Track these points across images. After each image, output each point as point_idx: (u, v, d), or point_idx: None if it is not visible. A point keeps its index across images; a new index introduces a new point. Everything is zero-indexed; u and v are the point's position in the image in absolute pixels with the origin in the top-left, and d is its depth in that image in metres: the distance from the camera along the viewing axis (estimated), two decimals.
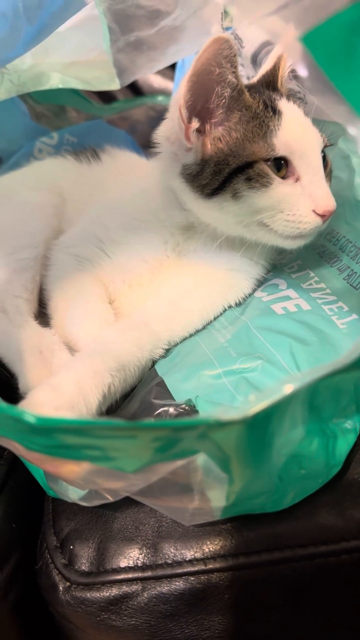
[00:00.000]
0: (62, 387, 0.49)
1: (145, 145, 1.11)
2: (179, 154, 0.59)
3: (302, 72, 0.29)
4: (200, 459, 0.37)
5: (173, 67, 1.09)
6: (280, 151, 0.56)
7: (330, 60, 0.29)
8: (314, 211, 0.56)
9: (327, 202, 0.56)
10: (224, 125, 0.57)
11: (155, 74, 1.23)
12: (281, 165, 0.56)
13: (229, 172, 0.56)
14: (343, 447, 0.47)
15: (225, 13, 0.68)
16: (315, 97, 0.56)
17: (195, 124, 0.56)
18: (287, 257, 0.70)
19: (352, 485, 0.48)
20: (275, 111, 0.57)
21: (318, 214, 0.56)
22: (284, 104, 0.58)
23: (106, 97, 1.19)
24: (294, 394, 0.32)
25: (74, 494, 0.47)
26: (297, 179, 0.57)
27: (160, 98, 1.12)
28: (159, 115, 1.12)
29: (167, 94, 1.19)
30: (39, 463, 0.39)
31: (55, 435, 0.32)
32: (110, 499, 0.45)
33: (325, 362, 0.52)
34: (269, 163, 0.56)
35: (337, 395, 0.44)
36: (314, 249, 0.69)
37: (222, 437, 0.33)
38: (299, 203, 0.56)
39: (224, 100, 0.56)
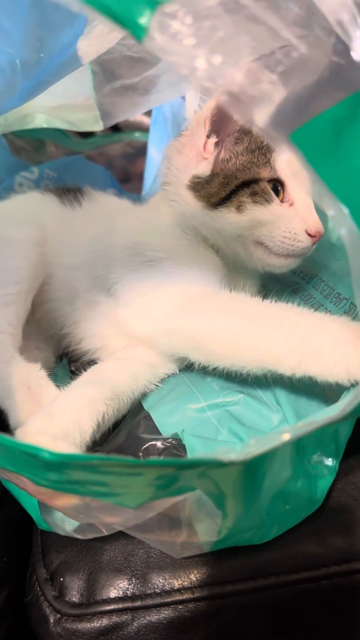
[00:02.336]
0: (58, 415, 0.52)
1: (123, 180, 1.15)
2: (190, 164, 0.65)
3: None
4: (196, 495, 0.39)
5: None
6: (281, 175, 0.63)
7: (315, 155, 0.33)
8: (306, 232, 0.62)
9: (318, 225, 0.63)
10: (234, 149, 0.63)
11: None
12: (278, 190, 0.63)
13: (237, 185, 0.62)
14: (325, 483, 0.50)
15: None
16: None
17: (213, 138, 0.63)
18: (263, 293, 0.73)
19: (331, 514, 0.51)
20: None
21: (310, 235, 0.62)
22: None
23: (84, 132, 1.22)
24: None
25: (69, 526, 0.48)
26: (291, 204, 0.63)
27: (137, 134, 1.16)
28: (135, 151, 1.16)
29: (142, 129, 1.22)
30: (44, 498, 0.41)
31: (66, 471, 0.34)
32: (105, 532, 0.47)
33: (302, 395, 0.56)
34: (270, 186, 0.63)
35: (321, 434, 0.47)
36: (288, 285, 0.73)
37: (221, 476, 0.35)
38: (293, 222, 0.62)
39: (238, 127, 0.63)
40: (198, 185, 0.64)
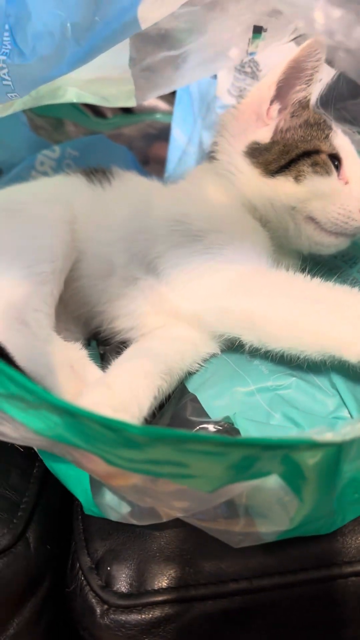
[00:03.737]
0: (116, 386, 0.49)
1: (142, 162, 1.12)
2: (248, 130, 0.65)
3: None
4: (270, 481, 0.37)
5: None
6: (339, 152, 0.63)
7: None
8: None
9: None
10: (291, 121, 0.64)
11: None
12: (336, 166, 0.62)
13: (298, 154, 0.62)
14: None
15: (256, 36, 0.69)
16: None
17: (277, 105, 0.63)
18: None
19: None
20: (331, 127, 0.65)
21: None
22: (334, 125, 0.66)
23: (97, 112, 1.19)
24: None
25: (126, 509, 0.46)
26: (346, 183, 0.63)
27: (158, 115, 1.13)
28: (157, 133, 1.13)
29: (159, 111, 1.20)
30: (107, 478, 0.38)
31: (146, 449, 0.31)
32: (164, 519, 0.44)
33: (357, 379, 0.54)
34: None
35: None
36: (329, 268, 0.70)
37: (307, 458, 0.33)
38: (348, 200, 0.62)
39: (299, 100, 0.63)
40: (256, 152, 0.64)
